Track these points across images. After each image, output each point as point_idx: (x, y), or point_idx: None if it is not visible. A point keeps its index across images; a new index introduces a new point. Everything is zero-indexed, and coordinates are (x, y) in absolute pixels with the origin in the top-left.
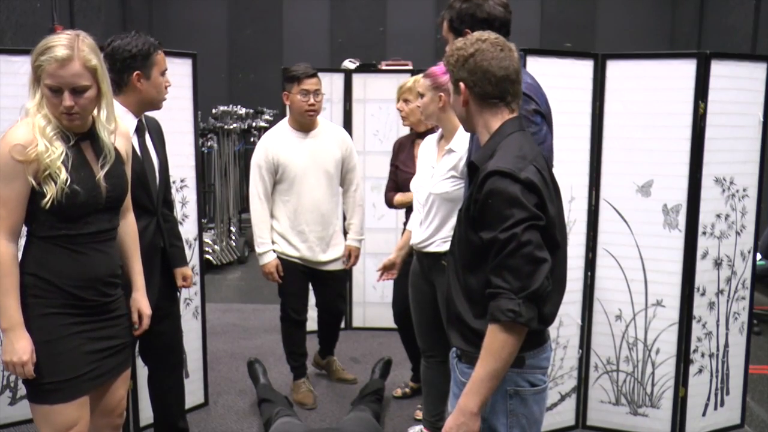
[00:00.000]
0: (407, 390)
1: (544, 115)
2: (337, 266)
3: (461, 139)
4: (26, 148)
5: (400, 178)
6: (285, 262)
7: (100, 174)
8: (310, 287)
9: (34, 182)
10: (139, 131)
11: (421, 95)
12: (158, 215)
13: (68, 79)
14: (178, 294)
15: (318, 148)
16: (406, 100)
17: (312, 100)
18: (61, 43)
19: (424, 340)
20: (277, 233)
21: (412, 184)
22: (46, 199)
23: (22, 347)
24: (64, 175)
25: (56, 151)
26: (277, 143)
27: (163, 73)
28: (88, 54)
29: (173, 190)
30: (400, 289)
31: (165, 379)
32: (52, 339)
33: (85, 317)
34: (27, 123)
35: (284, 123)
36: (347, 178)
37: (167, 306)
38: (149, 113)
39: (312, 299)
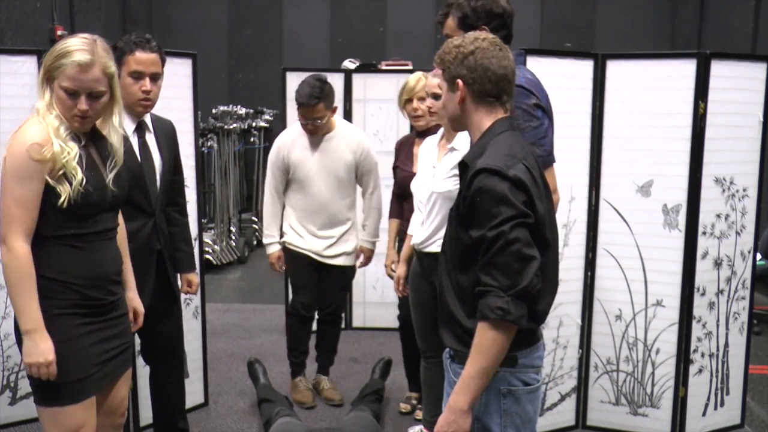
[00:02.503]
0: (413, 402)
1: (545, 110)
2: (345, 261)
3: (464, 138)
4: (43, 148)
5: (399, 177)
6: (294, 253)
7: (110, 176)
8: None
9: (51, 181)
10: (139, 131)
11: (437, 96)
12: (156, 217)
13: (87, 84)
14: (180, 294)
15: (328, 152)
16: (422, 98)
17: (310, 126)
18: (82, 47)
19: (424, 340)
20: (289, 225)
21: (413, 185)
22: (62, 199)
23: (48, 347)
24: (80, 175)
25: (72, 152)
26: (289, 144)
27: (133, 76)
28: (107, 60)
29: None
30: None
31: (166, 378)
32: (63, 339)
33: (93, 317)
34: (38, 122)
35: (299, 123)
36: (363, 181)
37: (167, 306)
38: (163, 113)
39: None
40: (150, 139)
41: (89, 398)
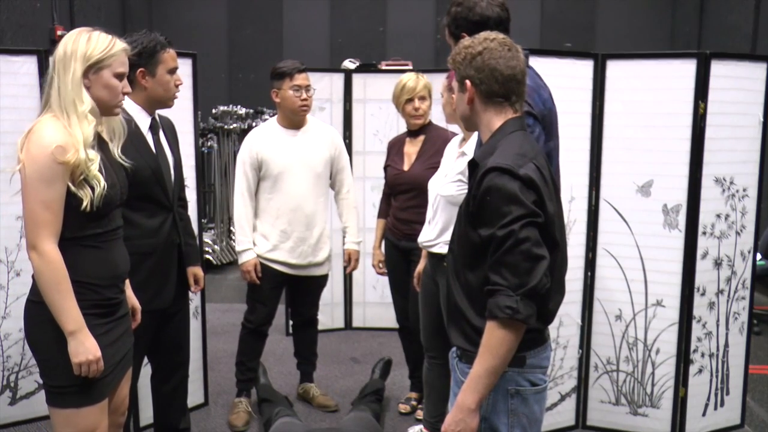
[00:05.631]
0: (414, 403)
1: (537, 117)
2: (320, 271)
3: (474, 144)
4: (66, 150)
5: (389, 175)
6: (262, 266)
7: (119, 172)
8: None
9: (72, 187)
10: (153, 129)
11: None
12: (174, 212)
13: (126, 67)
14: (190, 291)
15: (306, 147)
16: (423, 98)
17: (304, 96)
18: (108, 34)
19: (427, 339)
20: (259, 234)
21: (429, 183)
22: (85, 203)
23: (93, 344)
24: (103, 182)
25: (97, 160)
26: (263, 140)
27: (171, 72)
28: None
29: None
30: (406, 298)
31: (169, 377)
32: None
33: (107, 318)
34: (53, 122)
35: (273, 121)
36: (338, 179)
37: (178, 303)
38: (162, 112)
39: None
40: (161, 135)
41: (104, 400)
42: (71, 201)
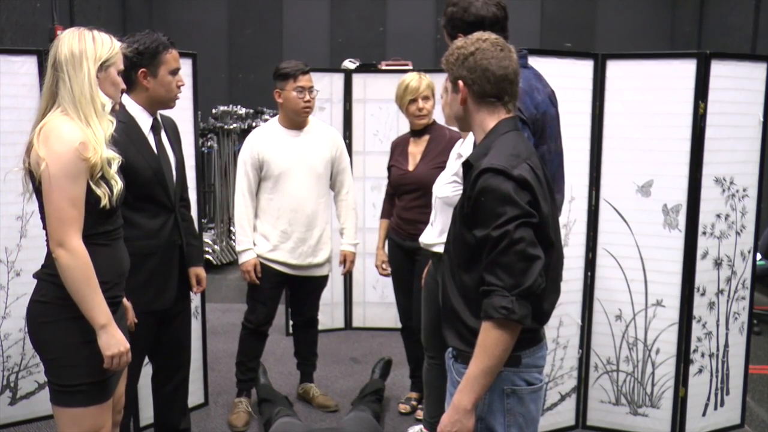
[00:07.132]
0: (414, 402)
1: (526, 122)
2: (320, 272)
3: (470, 145)
4: (88, 147)
5: (392, 175)
6: (262, 266)
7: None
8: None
9: (91, 183)
10: (155, 129)
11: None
12: (176, 212)
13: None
14: (192, 291)
15: (306, 147)
16: (426, 98)
17: (308, 97)
18: (108, 33)
19: (427, 339)
20: (260, 234)
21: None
22: (104, 202)
23: (122, 336)
24: (120, 181)
25: (117, 159)
26: (264, 140)
27: (173, 73)
28: None
29: None
30: (409, 298)
31: (170, 378)
32: (91, 340)
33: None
34: (68, 120)
35: (274, 121)
36: (338, 180)
37: (180, 304)
38: (163, 111)
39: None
40: (163, 135)
41: (110, 399)
42: (88, 198)
